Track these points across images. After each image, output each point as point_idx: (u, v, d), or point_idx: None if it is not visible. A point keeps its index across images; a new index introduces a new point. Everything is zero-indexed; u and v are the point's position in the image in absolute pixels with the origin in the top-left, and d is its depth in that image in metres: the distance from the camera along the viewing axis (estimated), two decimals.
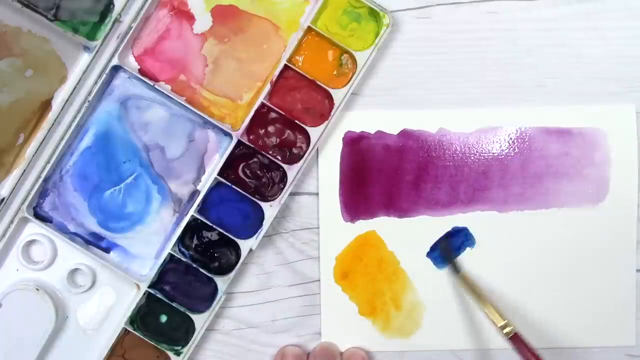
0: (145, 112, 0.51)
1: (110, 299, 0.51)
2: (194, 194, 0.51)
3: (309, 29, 0.50)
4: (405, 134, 0.52)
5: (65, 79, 0.50)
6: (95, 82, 0.49)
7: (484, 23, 0.51)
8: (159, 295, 0.50)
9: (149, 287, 0.50)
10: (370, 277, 0.52)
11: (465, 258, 0.52)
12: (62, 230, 0.51)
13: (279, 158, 0.50)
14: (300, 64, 0.51)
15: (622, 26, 0.51)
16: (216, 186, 0.50)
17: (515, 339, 0.47)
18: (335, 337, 0.52)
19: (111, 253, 0.51)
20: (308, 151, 0.50)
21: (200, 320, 0.50)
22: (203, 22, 0.51)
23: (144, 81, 0.50)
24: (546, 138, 0.52)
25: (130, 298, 0.51)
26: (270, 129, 0.51)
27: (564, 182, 0.52)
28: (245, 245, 0.50)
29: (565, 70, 0.52)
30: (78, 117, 0.49)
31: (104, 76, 0.49)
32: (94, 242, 0.51)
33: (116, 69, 0.50)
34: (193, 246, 0.51)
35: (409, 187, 0.52)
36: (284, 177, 0.50)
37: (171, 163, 0.51)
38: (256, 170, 0.51)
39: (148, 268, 0.51)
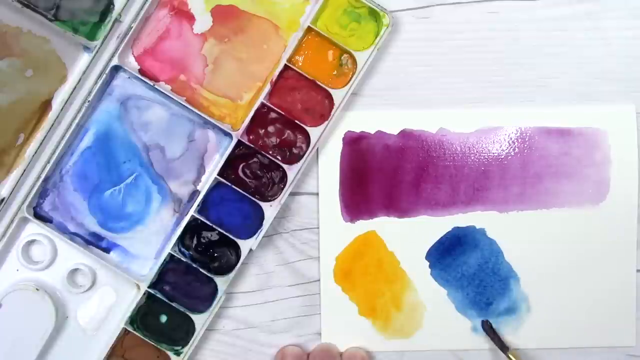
0: (145, 112, 0.51)
1: (110, 299, 0.51)
2: (194, 194, 0.51)
3: (309, 29, 0.50)
4: (405, 134, 0.52)
5: (65, 79, 0.50)
6: (95, 82, 0.49)
7: (485, 23, 0.51)
8: (159, 295, 0.50)
9: (149, 287, 0.50)
10: (370, 277, 0.52)
11: (467, 259, 0.52)
12: (62, 230, 0.51)
13: (279, 158, 0.50)
14: (300, 64, 0.50)
15: (623, 26, 0.51)
16: (216, 186, 0.50)
17: None
18: (335, 337, 0.52)
19: (111, 253, 0.51)
20: (308, 151, 0.50)
21: (200, 320, 0.50)
22: (203, 22, 0.51)
23: (144, 81, 0.50)
24: (546, 138, 0.52)
25: (130, 298, 0.51)
26: (270, 129, 0.51)
27: (564, 182, 0.52)
28: (245, 245, 0.50)
29: (565, 70, 0.52)
30: (78, 117, 0.49)
31: (104, 76, 0.49)
32: (94, 242, 0.51)
33: (116, 69, 0.50)
34: (193, 246, 0.51)
35: (409, 187, 0.52)
36: (284, 177, 0.50)
37: (171, 163, 0.51)
38: (256, 170, 0.51)
39: (148, 268, 0.51)
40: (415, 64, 0.52)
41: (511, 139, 0.52)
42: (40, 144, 0.49)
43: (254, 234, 0.50)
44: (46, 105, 0.50)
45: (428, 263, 0.52)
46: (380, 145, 0.52)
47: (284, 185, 0.50)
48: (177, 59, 0.51)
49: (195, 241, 0.51)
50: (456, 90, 0.52)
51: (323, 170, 0.52)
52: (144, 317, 0.50)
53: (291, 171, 0.50)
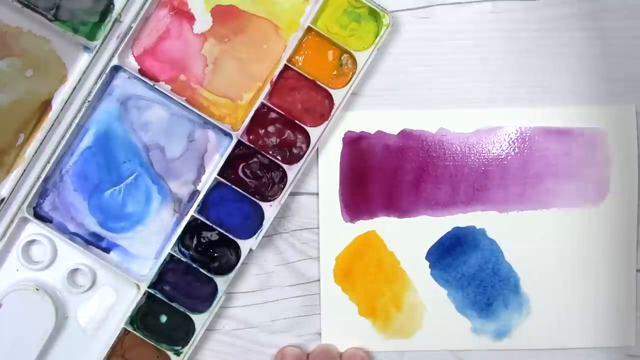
0: (145, 112, 0.51)
1: (110, 299, 0.51)
2: (194, 194, 0.51)
3: (309, 29, 0.50)
4: (405, 134, 0.52)
5: (65, 79, 0.50)
6: (95, 82, 0.49)
7: (485, 23, 0.51)
8: (159, 295, 0.50)
9: (149, 287, 0.50)
10: (370, 277, 0.52)
11: (467, 259, 0.52)
12: (62, 230, 0.51)
13: (279, 158, 0.50)
14: (300, 64, 0.51)
15: (623, 26, 0.51)
16: (216, 186, 0.50)
17: None
18: (335, 337, 0.52)
19: (111, 253, 0.51)
20: (308, 151, 0.50)
21: (200, 320, 0.50)
22: (203, 22, 0.51)
23: (144, 81, 0.50)
24: (546, 138, 0.52)
25: (130, 298, 0.51)
26: (270, 129, 0.51)
27: (564, 182, 0.52)
28: (245, 245, 0.50)
29: (565, 70, 0.52)
30: (78, 117, 0.49)
31: (104, 76, 0.49)
32: (94, 242, 0.51)
33: (116, 69, 0.50)
34: (193, 246, 0.51)
35: (409, 187, 0.52)
36: (284, 177, 0.50)
37: (171, 163, 0.51)
38: (256, 170, 0.51)
39: (148, 268, 0.51)
40: (415, 64, 0.52)
41: (511, 139, 0.52)
42: (40, 144, 0.49)
43: (254, 234, 0.50)
44: (46, 105, 0.50)
45: (428, 263, 0.52)
46: (380, 145, 0.52)
47: (284, 185, 0.50)
48: (177, 59, 0.51)
49: (195, 241, 0.51)
50: (456, 90, 0.52)
51: (323, 170, 0.52)
52: (144, 317, 0.50)
53: (291, 171, 0.50)
